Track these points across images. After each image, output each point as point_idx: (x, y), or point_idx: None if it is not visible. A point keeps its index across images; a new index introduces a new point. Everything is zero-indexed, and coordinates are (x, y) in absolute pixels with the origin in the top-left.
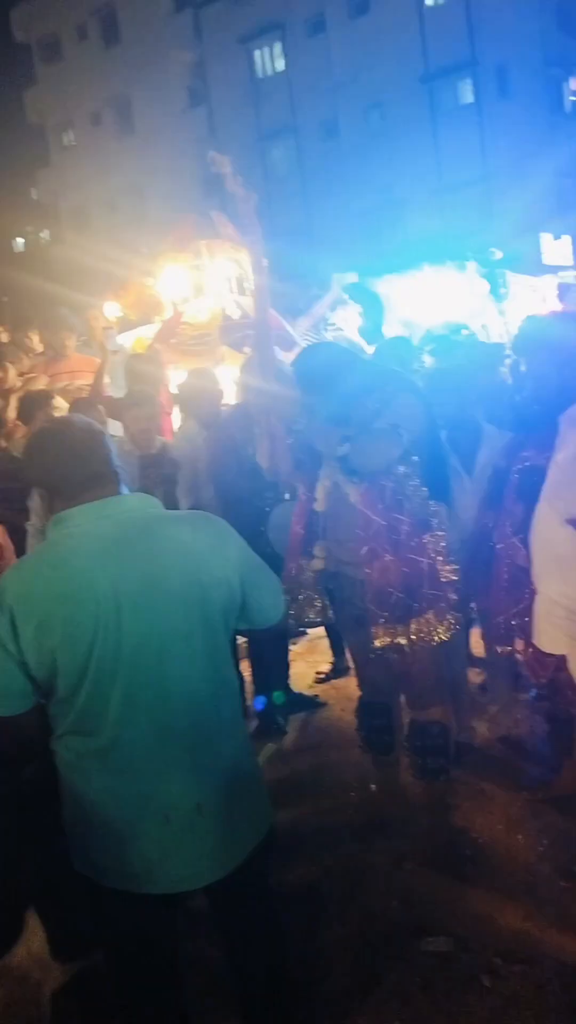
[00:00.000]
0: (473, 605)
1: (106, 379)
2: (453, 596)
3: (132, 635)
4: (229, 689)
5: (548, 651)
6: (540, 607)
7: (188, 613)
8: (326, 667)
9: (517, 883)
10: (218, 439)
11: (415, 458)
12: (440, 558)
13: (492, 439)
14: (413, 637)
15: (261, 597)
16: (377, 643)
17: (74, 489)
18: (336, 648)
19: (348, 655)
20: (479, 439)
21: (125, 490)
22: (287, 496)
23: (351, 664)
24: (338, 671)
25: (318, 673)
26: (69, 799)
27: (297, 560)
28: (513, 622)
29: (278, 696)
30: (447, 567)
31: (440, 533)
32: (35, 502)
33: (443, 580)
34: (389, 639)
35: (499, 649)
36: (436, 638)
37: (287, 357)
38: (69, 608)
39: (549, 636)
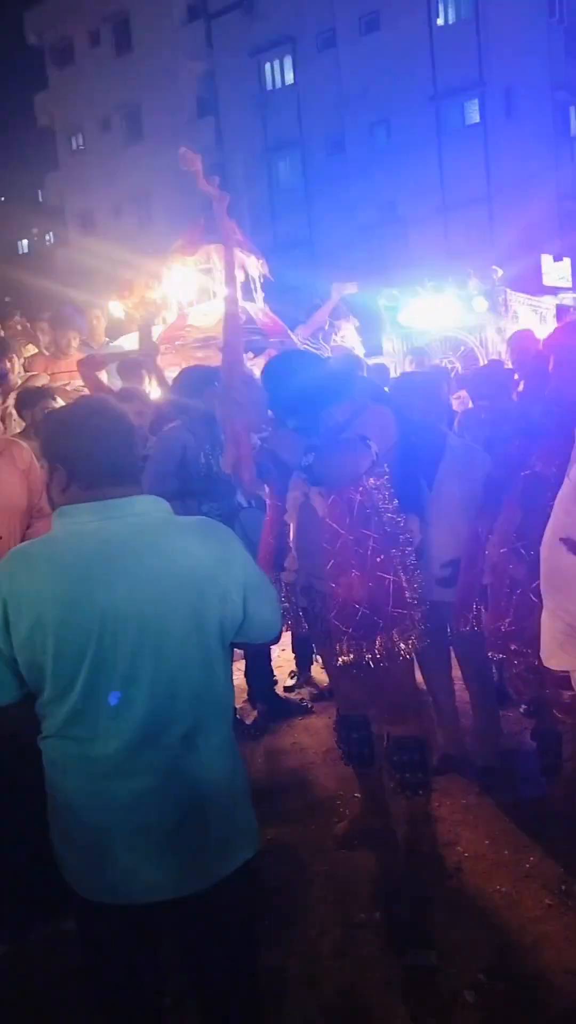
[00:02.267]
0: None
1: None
2: (417, 614)
3: (129, 645)
4: (224, 704)
5: (553, 668)
6: (546, 621)
7: (189, 626)
8: (291, 681)
9: (502, 899)
10: (161, 440)
11: (385, 469)
12: (406, 574)
13: (455, 451)
14: (378, 654)
15: (262, 612)
16: (341, 660)
17: (94, 478)
18: (301, 660)
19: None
20: (442, 450)
21: (141, 490)
22: (245, 503)
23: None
24: (303, 682)
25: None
26: (52, 801)
27: (268, 571)
28: (507, 630)
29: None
30: (414, 583)
31: (408, 548)
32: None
33: (408, 597)
34: (352, 657)
35: (492, 655)
36: (401, 655)
37: None
38: (67, 612)
39: (551, 651)
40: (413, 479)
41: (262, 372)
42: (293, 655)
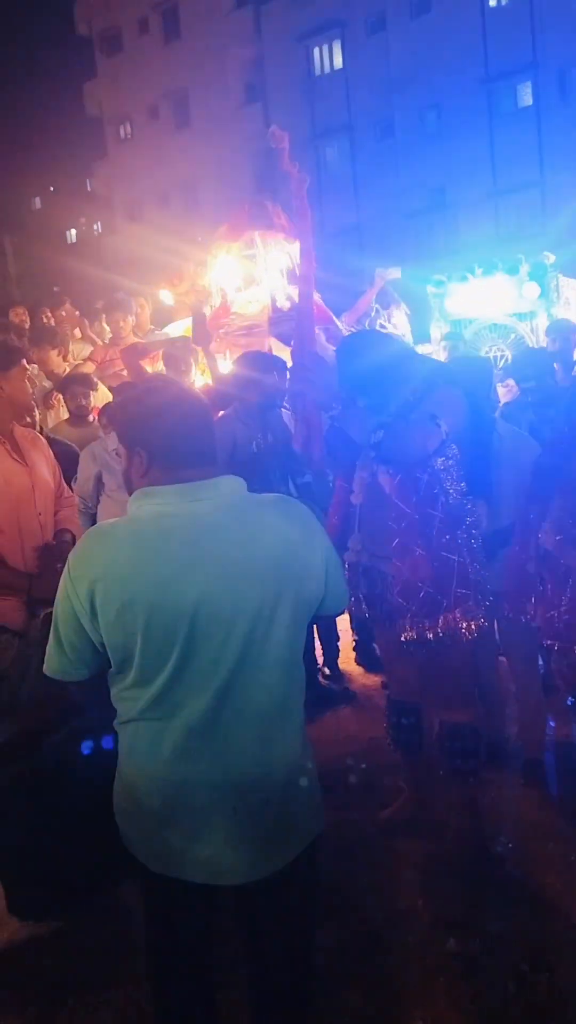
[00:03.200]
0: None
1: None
2: (481, 595)
3: (221, 627)
4: (300, 685)
5: None
6: None
7: (279, 604)
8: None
9: (547, 891)
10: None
11: (455, 450)
12: (471, 556)
13: (503, 439)
14: (440, 633)
15: (337, 587)
16: (404, 636)
17: (175, 461)
18: (327, 648)
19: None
20: (491, 437)
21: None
22: (308, 479)
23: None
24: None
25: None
26: (127, 785)
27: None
28: (562, 618)
29: None
30: (478, 566)
31: (475, 531)
32: (82, 486)
33: (472, 579)
34: (415, 634)
35: (548, 643)
36: (463, 636)
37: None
38: (159, 595)
39: None
40: (483, 463)
41: (336, 350)
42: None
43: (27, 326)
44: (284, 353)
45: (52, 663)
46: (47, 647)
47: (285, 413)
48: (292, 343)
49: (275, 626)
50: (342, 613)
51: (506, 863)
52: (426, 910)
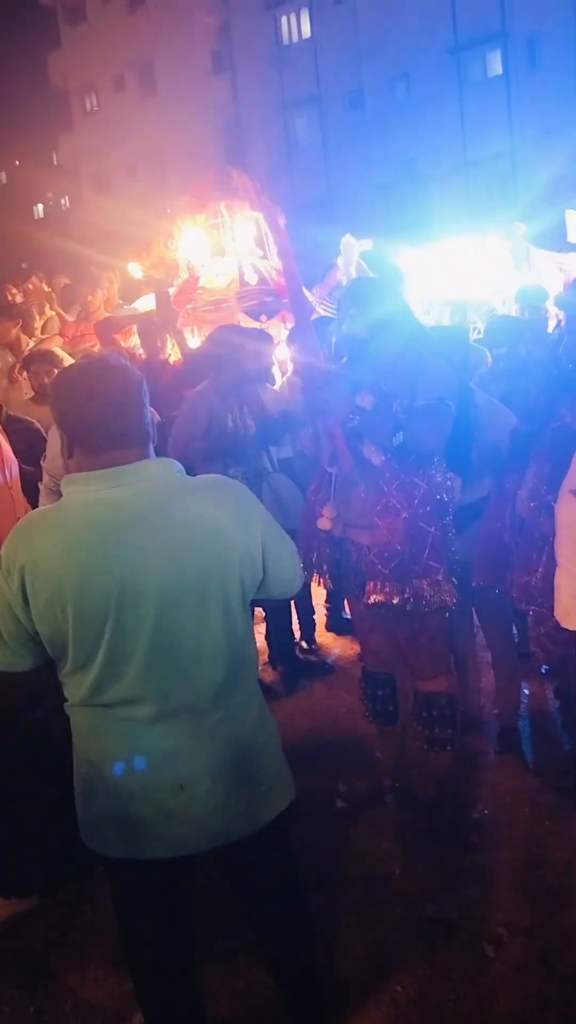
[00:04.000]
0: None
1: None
2: (450, 571)
3: (150, 613)
4: (249, 663)
5: (571, 628)
6: (562, 581)
7: (208, 589)
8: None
9: (523, 857)
10: (187, 403)
11: None
12: (445, 531)
13: (479, 408)
14: (408, 599)
15: (282, 569)
16: (372, 599)
17: (98, 443)
18: (304, 622)
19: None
20: (468, 407)
21: (152, 453)
22: (271, 467)
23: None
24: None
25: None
26: (81, 765)
27: (313, 521)
28: (537, 584)
29: None
30: (449, 541)
31: (450, 506)
32: (49, 461)
33: (443, 553)
34: (382, 597)
35: (523, 607)
36: (431, 606)
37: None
38: (83, 585)
39: (568, 611)
40: (462, 435)
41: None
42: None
43: None
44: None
45: None
46: None
47: (270, 390)
48: (299, 365)
49: (206, 611)
50: (291, 597)
51: (482, 830)
52: (404, 878)
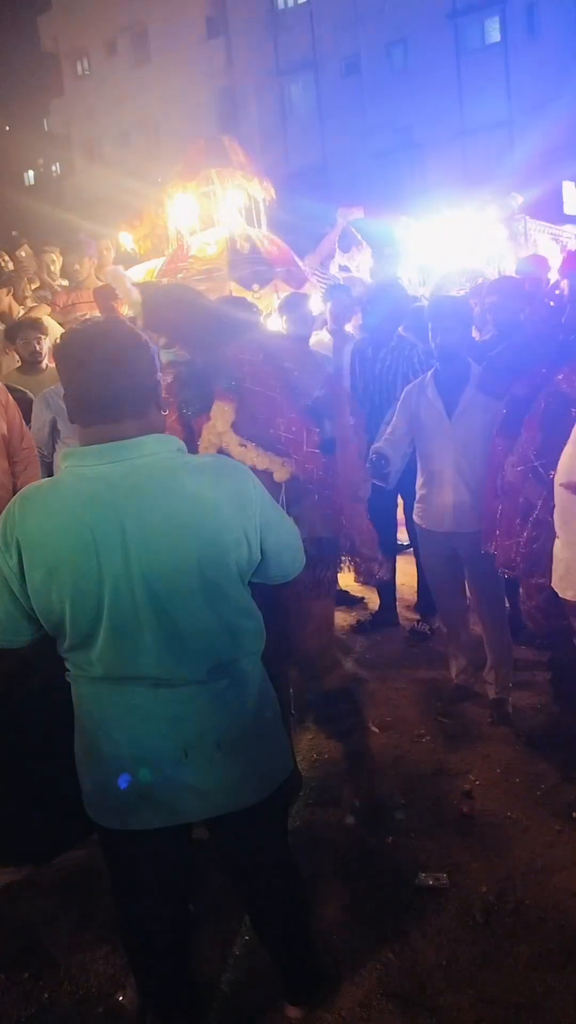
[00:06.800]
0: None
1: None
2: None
3: (146, 590)
4: (248, 638)
5: (570, 599)
6: (561, 552)
7: (205, 569)
8: None
9: (513, 825)
10: None
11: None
12: None
13: (477, 377)
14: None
15: (281, 554)
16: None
17: (88, 415)
18: None
19: None
20: (467, 376)
21: (157, 422)
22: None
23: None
24: None
25: None
26: (84, 738)
27: None
28: (521, 550)
29: None
30: None
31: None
32: (36, 433)
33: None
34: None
35: (501, 572)
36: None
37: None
38: (81, 562)
39: (568, 583)
40: None
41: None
42: None
43: None
44: (245, 296)
45: None
46: None
47: None
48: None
49: (203, 588)
50: (291, 579)
51: (473, 799)
52: (395, 846)
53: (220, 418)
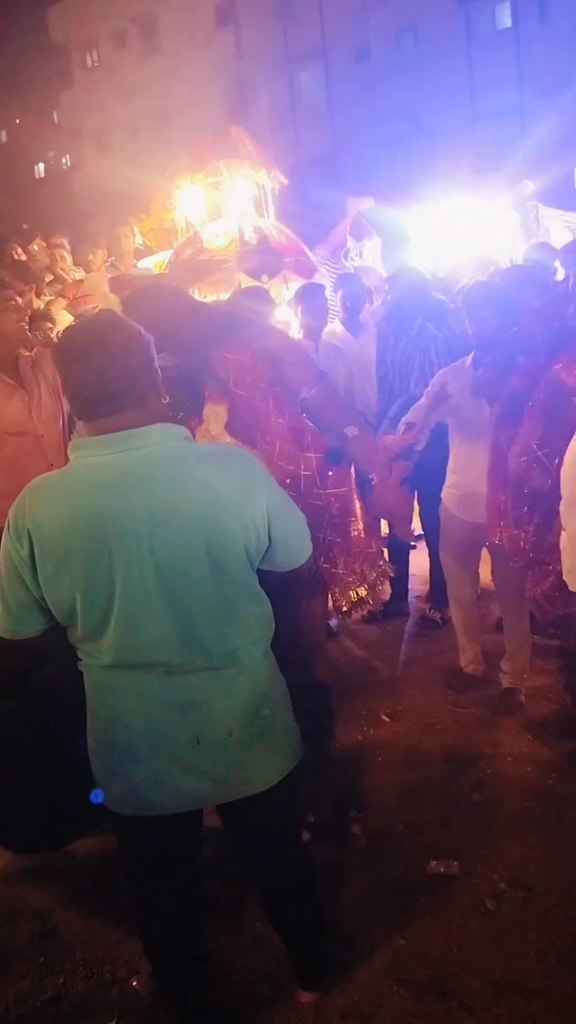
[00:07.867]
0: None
1: None
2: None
3: (156, 578)
4: (258, 624)
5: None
6: (569, 544)
7: (213, 556)
8: None
9: (524, 813)
10: None
11: None
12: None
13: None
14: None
15: (288, 541)
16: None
17: (90, 410)
18: None
19: None
20: (514, 366)
21: (159, 412)
22: None
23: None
24: None
25: None
26: (97, 725)
27: None
28: (530, 540)
29: None
30: None
31: None
32: None
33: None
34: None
35: (514, 563)
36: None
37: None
38: (91, 552)
39: (575, 574)
40: None
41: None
42: None
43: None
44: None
45: (2, 623)
46: None
47: None
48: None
49: (211, 575)
50: (299, 567)
51: (485, 788)
52: (406, 833)
53: (213, 421)
